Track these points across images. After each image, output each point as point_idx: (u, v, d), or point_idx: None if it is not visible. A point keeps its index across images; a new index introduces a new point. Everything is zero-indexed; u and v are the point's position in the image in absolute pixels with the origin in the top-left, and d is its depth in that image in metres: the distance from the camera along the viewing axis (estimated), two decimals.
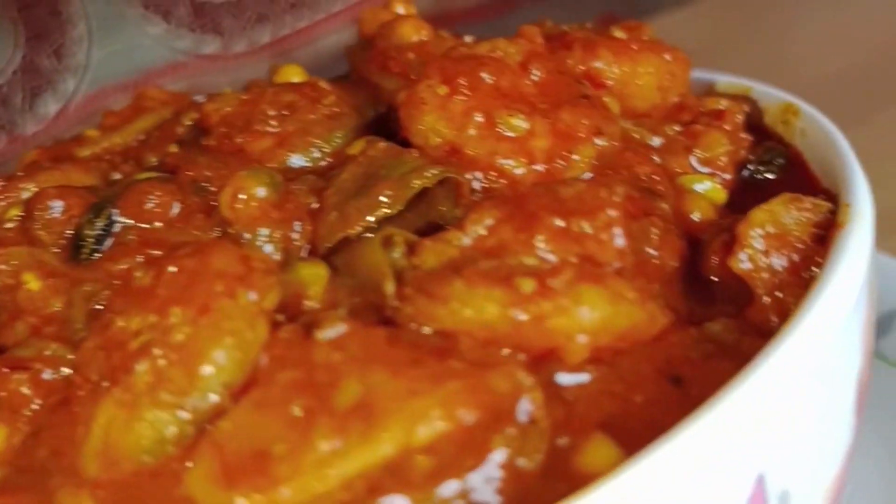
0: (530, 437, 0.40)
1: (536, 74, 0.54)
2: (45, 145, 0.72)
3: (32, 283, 0.51)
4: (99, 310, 0.50)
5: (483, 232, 0.45)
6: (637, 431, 0.42)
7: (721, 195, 0.57)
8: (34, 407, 0.46)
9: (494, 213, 0.46)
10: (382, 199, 0.49)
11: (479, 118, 0.51)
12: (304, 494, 0.36)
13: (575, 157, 0.52)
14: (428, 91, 0.52)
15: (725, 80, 0.69)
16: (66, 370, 0.47)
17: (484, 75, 0.52)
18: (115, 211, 0.51)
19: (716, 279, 0.51)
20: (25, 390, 0.46)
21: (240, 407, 0.39)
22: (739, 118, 0.63)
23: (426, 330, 0.42)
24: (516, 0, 1.57)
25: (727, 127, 0.61)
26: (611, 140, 0.53)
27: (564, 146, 0.52)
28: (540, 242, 0.44)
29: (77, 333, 0.49)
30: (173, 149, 0.62)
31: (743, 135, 0.63)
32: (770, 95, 0.66)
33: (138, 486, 0.41)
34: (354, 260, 0.47)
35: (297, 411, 0.37)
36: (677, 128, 0.61)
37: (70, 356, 0.47)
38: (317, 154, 0.57)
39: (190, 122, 0.66)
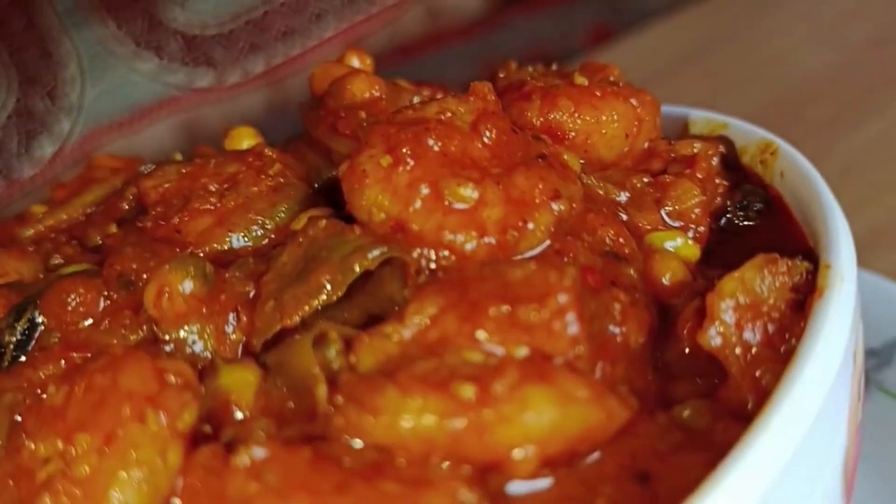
0: None
1: (488, 136, 0.50)
2: None
3: None
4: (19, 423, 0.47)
5: (425, 323, 0.41)
6: None
7: (693, 252, 0.53)
8: None
9: (438, 301, 0.42)
10: (323, 284, 0.45)
11: (425, 190, 0.47)
12: None
13: (530, 225, 0.47)
14: (370, 162, 0.48)
15: (701, 116, 0.65)
16: None
17: (430, 142, 0.48)
18: (36, 313, 0.48)
19: (688, 351, 0.47)
20: None
21: None
22: (715, 161, 0.59)
23: (357, 444, 0.38)
24: (508, 16, 1.55)
25: (700, 174, 0.57)
26: (570, 203, 0.49)
27: (519, 214, 0.48)
28: (484, 335, 0.40)
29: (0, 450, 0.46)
30: (112, 229, 0.58)
31: (718, 180, 0.58)
32: (748, 133, 0.62)
33: None
34: (286, 360, 0.43)
35: None
36: (646, 179, 0.56)
37: None
38: (258, 232, 0.53)
39: (132, 197, 0.62)
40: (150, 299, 0.45)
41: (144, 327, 0.47)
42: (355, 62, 0.68)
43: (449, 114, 0.51)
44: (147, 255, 0.49)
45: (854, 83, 1.16)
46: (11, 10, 1.05)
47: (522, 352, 0.40)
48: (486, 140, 0.50)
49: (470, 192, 0.47)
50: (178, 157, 0.69)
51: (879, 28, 1.27)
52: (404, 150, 0.48)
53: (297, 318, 0.45)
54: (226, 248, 0.52)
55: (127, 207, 0.62)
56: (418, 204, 0.47)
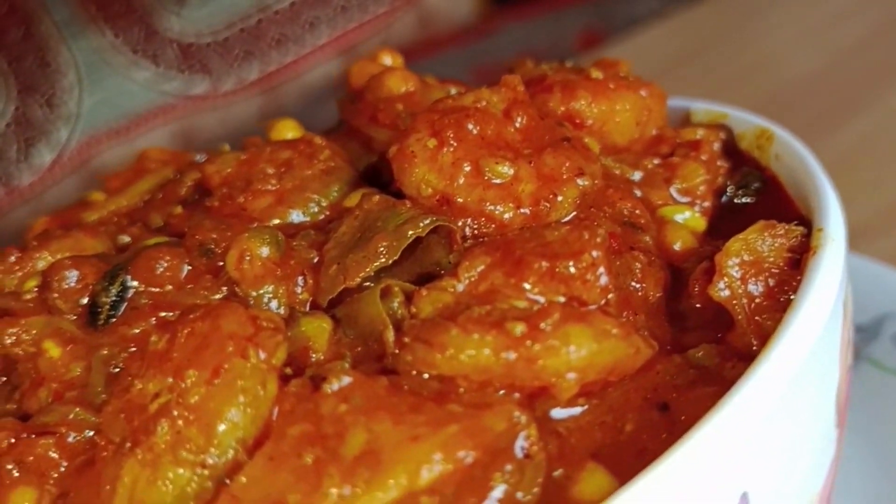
0: (527, 471, 0.43)
1: (519, 121, 0.57)
2: (54, 212, 0.75)
3: (52, 350, 0.54)
4: (117, 373, 0.53)
5: (475, 278, 0.48)
6: (628, 459, 0.45)
7: (700, 224, 0.60)
8: (61, 469, 0.49)
9: (485, 260, 0.49)
10: (380, 250, 0.52)
11: (467, 168, 0.54)
12: None
13: (559, 198, 0.54)
14: (417, 144, 0.55)
15: (702, 107, 0.72)
16: (89, 433, 0.50)
17: (470, 126, 0.55)
18: (127, 277, 0.54)
19: (698, 306, 0.54)
20: (52, 454, 0.49)
21: (254, 461, 0.42)
22: (716, 146, 0.66)
23: (425, 376, 0.44)
24: (499, 23, 1.60)
25: (704, 157, 0.64)
26: (592, 179, 0.56)
27: (549, 189, 0.55)
28: (528, 286, 0.47)
29: (97, 397, 0.52)
30: (177, 210, 0.65)
31: (720, 162, 0.66)
32: (745, 121, 0.69)
33: None
34: (355, 312, 0.49)
35: (307, 462, 0.40)
36: (656, 161, 0.64)
37: (93, 419, 0.50)
38: (315, 209, 0.60)
39: (192, 183, 0.69)
40: (233, 263, 0.52)
41: (224, 289, 0.54)
42: (388, 60, 0.75)
43: (484, 102, 0.58)
44: (223, 227, 0.56)
45: (841, 83, 1.22)
46: (10, 19, 1.08)
47: (560, 300, 0.47)
48: (517, 125, 0.57)
49: (506, 169, 0.54)
50: (226, 147, 0.76)
51: (865, 30, 1.33)
52: (448, 134, 0.55)
53: (357, 279, 0.52)
54: (286, 222, 0.59)
55: (185, 192, 0.69)
56: (461, 180, 0.54)
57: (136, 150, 1.18)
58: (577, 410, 0.46)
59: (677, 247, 0.58)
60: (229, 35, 1.20)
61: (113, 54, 1.11)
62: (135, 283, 0.54)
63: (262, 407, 0.44)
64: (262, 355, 0.44)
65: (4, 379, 0.59)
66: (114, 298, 0.54)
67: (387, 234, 0.53)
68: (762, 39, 1.41)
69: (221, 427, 0.43)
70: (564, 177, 0.55)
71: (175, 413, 0.44)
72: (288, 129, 0.72)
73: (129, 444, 0.46)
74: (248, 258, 0.52)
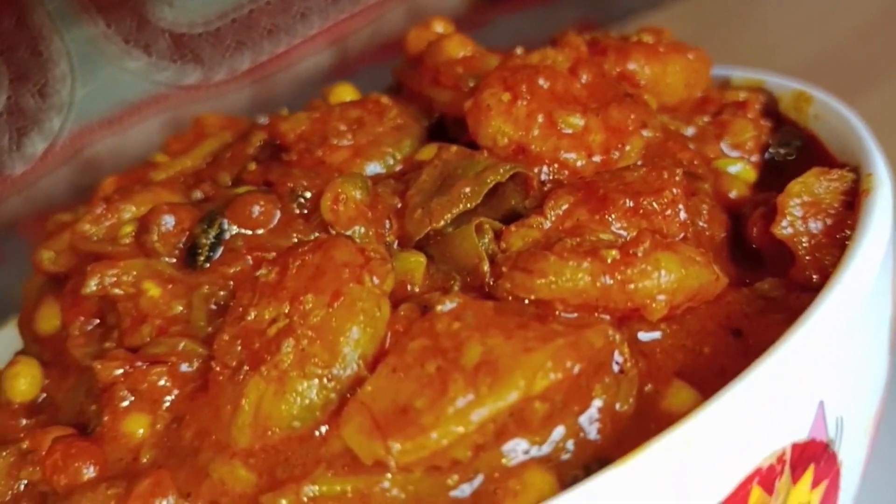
0: (622, 385, 0.46)
1: (584, 78, 0.61)
2: (122, 172, 0.78)
3: (153, 290, 0.57)
4: (220, 307, 0.57)
5: (561, 215, 0.52)
6: (708, 377, 0.49)
7: (752, 175, 0.64)
8: (173, 396, 0.52)
9: (569, 199, 0.53)
10: (462, 195, 0.56)
11: (540, 119, 0.58)
12: (447, 438, 0.42)
13: (627, 147, 0.58)
14: (492, 98, 0.59)
15: (740, 75, 0.77)
16: (197, 362, 0.53)
17: (540, 81, 0.59)
18: (224, 220, 0.58)
19: (756, 247, 0.58)
20: (165, 382, 0.52)
21: (378, 373, 0.45)
22: (759, 107, 0.71)
23: (527, 301, 0.48)
24: (491, 13, 1.62)
25: (750, 115, 0.69)
26: (654, 132, 0.60)
27: (617, 139, 0.59)
28: (613, 220, 0.51)
29: (201, 330, 0.55)
30: (251, 167, 0.68)
31: (763, 121, 0.70)
32: (782, 85, 0.74)
33: (287, 450, 0.47)
34: (449, 248, 0.53)
35: (430, 372, 0.44)
36: (706, 119, 0.68)
37: (200, 350, 0.54)
38: (391, 161, 0.63)
39: (259, 143, 0.72)
40: (328, 205, 0.56)
41: (316, 233, 0.57)
42: (440, 28, 0.79)
43: (549, 61, 0.62)
44: (312, 175, 0.60)
45: (842, 71, 1.26)
46: (2, 9, 1.09)
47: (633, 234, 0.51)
48: (582, 81, 0.61)
49: (578, 120, 0.58)
50: (285, 111, 0.79)
51: (865, 18, 1.36)
52: (521, 88, 0.59)
53: (441, 222, 0.56)
54: (364, 174, 0.62)
55: (253, 151, 0.72)
56: (536, 130, 0.58)
57: (129, 140, 1.20)
58: (658, 335, 0.50)
59: (732, 195, 0.62)
60: (221, 25, 1.21)
61: (105, 44, 1.12)
62: (231, 227, 0.58)
63: (379, 326, 0.47)
64: (376, 280, 0.48)
65: (98, 321, 0.62)
66: (212, 240, 0.57)
67: (468, 181, 0.56)
68: (759, 28, 1.44)
69: (345, 344, 0.46)
70: (630, 129, 0.59)
71: (299, 333, 0.47)
72: (346, 93, 0.75)
73: (246, 367, 0.49)
74: (342, 200, 0.55)
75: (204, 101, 1.27)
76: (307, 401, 0.46)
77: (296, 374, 0.46)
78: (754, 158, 0.67)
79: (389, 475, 0.43)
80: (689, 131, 0.66)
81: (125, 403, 0.53)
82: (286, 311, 0.49)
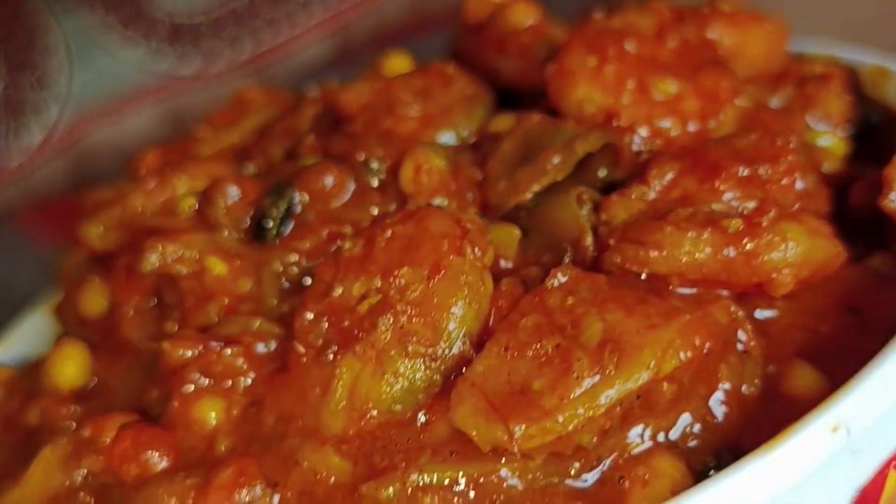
0: (747, 365, 0.43)
1: (671, 42, 0.58)
2: (162, 146, 0.74)
3: (218, 266, 0.54)
4: (288, 287, 0.53)
5: (666, 184, 0.49)
6: (828, 358, 0.46)
7: (842, 148, 0.61)
8: (249, 379, 0.49)
9: (674, 167, 0.49)
10: (552, 164, 0.52)
11: (631, 85, 0.54)
12: (574, 422, 0.39)
13: (721, 116, 0.55)
14: (578, 63, 0.55)
15: (815, 49, 0.73)
16: (273, 343, 0.50)
17: (627, 45, 0.56)
18: (295, 192, 0.54)
19: (855, 221, 0.55)
20: (240, 363, 0.49)
21: (488, 352, 0.42)
22: (841, 81, 0.67)
23: (643, 276, 0.45)
24: None
25: (834, 88, 0.65)
26: (747, 101, 0.57)
27: (711, 108, 0.55)
28: (724, 190, 0.48)
29: (274, 309, 0.52)
30: (309, 140, 0.64)
31: (846, 95, 0.66)
32: (858, 61, 0.70)
33: (385, 436, 0.43)
34: (545, 220, 0.50)
35: (548, 350, 0.40)
36: (790, 90, 0.64)
37: (276, 329, 0.50)
38: (464, 132, 0.60)
39: (313, 115, 0.68)
40: (409, 175, 0.52)
41: (393, 205, 0.54)
42: None
43: (633, 25, 0.59)
44: (386, 144, 0.56)
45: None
46: None
47: (752, 204, 0.48)
48: (669, 46, 0.58)
49: (671, 86, 0.55)
50: (313, 91, 0.75)
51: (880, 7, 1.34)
52: (609, 52, 0.55)
53: (528, 194, 0.52)
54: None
55: (305, 124, 0.68)
56: (627, 97, 0.54)
57: (127, 130, 1.17)
58: (775, 313, 0.47)
59: (824, 169, 0.58)
60: (221, 14, 1.18)
61: (104, 33, 1.09)
62: (303, 199, 0.54)
63: (483, 302, 0.44)
64: (477, 252, 0.44)
65: (156, 301, 0.58)
66: (282, 213, 0.54)
67: (556, 151, 0.53)
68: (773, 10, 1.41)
69: (450, 321, 0.43)
70: (723, 97, 0.56)
71: (398, 309, 0.43)
72: (402, 62, 0.72)
73: (335, 347, 0.45)
74: (425, 170, 0.52)
75: (203, 91, 1.24)
76: (409, 382, 0.43)
77: (396, 354, 0.43)
78: (840, 131, 0.63)
79: (507, 463, 0.40)
80: (774, 103, 0.63)
81: (195, 388, 0.49)
82: (377, 285, 0.45)
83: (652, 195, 0.49)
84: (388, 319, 0.43)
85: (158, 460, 0.47)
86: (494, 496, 0.40)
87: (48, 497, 0.52)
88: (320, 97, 0.70)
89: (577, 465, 0.40)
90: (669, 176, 0.49)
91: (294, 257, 0.53)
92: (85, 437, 0.51)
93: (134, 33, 1.13)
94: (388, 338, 0.43)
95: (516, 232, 0.49)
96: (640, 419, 0.40)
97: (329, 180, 0.54)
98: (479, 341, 0.43)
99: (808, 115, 0.63)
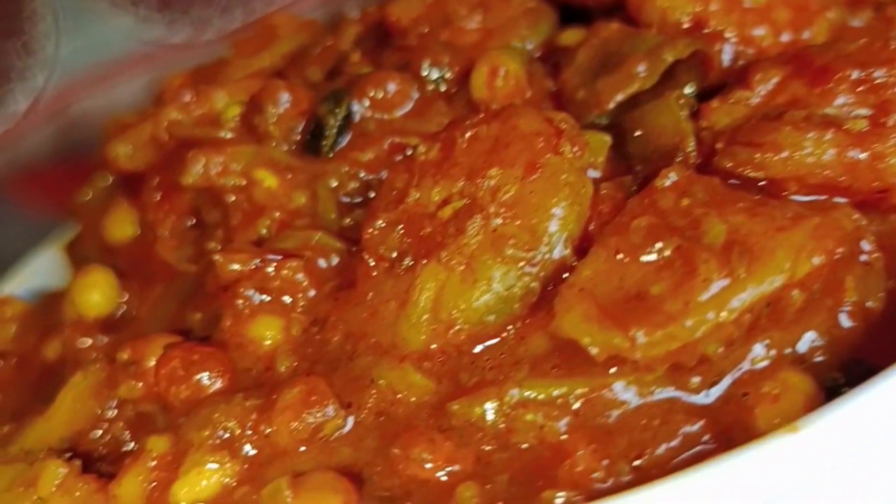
0: (871, 277, 0.39)
1: None
2: (189, 71, 0.69)
3: (269, 179, 0.49)
4: (348, 201, 0.49)
5: (770, 89, 0.44)
6: None
7: None
8: (310, 296, 0.44)
9: (780, 71, 0.45)
10: (635, 73, 0.48)
11: None
12: (702, 328, 0.34)
13: (814, 28, 0.51)
14: None
15: None
16: (336, 258, 0.45)
17: None
18: (353, 101, 0.49)
19: None
20: (300, 279, 0.44)
21: (596, 256, 0.37)
22: None
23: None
24: None
25: None
26: (839, 15, 0.53)
27: (802, 18, 0.51)
28: (837, 94, 0.43)
29: (333, 223, 0.47)
30: (355, 56, 0.60)
31: None
32: None
33: (473, 350, 0.39)
34: (638, 127, 0.45)
35: (667, 253, 0.36)
36: (870, 13, 0.60)
37: (338, 244, 0.46)
38: (530, 45, 0.55)
39: (355, 35, 0.64)
40: (482, 80, 0.47)
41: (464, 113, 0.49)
42: None
43: None
44: (449, 50, 0.52)
45: None
46: None
47: (865, 111, 0.44)
48: None
49: None
50: (353, 13, 0.70)
51: None
52: None
53: (611, 105, 0.48)
54: None
55: (346, 45, 0.64)
56: (716, 3, 0.50)
57: (115, 99, 1.12)
58: (890, 225, 0.42)
59: None
60: None
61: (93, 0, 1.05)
62: (362, 107, 0.50)
63: (584, 204, 0.40)
64: (576, 151, 0.40)
65: (194, 221, 0.54)
66: (340, 122, 0.49)
67: (640, 59, 0.48)
68: None
69: (551, 223, 0.38)
70: (813, 8, 0.52)
71: (491, 211, 0.39)
72: None
73: (410, 257, 0.41)
74: (501, 74, 0.47)
75: (193, 60, 1.20)
76: (504, 290, 0.38)
77: (489, 259, 0.38)
78: None
79: (622, 375, 0.36)
80: (856, 23, 0.59)
81: (254, 303, 0.44)
82: (461, 189, 0.41)
83: (755, 100, 0.44)
84: (478, 222, 0.39)
85: (212, 381, 0.42)
86: (605, 412, 0.36)
87: (78, 428, 0.48)
88: (360, 18, 0.66)
89: (697, 379, 0.36)
90: (774, 80, 0.45)
91: (352, 170, 0.48)
92: (123, 360, 0.46)
93: (122, 0, 1.09)
94: (479, 242, 0.39)
95: (607, 139, 0.45)
96: (767, 331, 0.36)
97: (392, 87, 0.49)
98: (580, 247, 0.39)
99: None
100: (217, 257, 0.45)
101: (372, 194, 0.48)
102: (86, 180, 0.79)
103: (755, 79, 0.45)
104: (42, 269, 0.69)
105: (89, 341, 0.54)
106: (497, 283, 0.38)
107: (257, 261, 0.44)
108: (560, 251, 0.38)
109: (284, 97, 0.50)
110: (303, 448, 0.39)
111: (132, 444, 0.46)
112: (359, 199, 0.49)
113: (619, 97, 0.48)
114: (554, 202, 0.39)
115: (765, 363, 0.36)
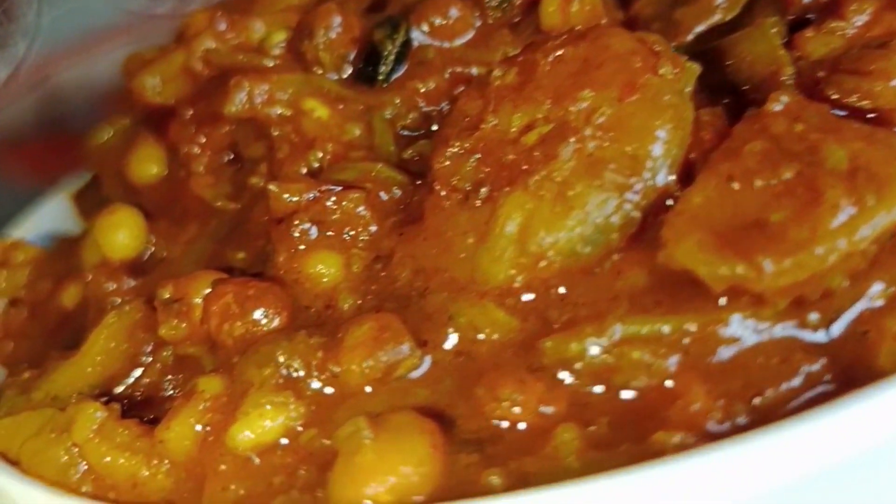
0: None
1: None
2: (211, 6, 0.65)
3: (320, 109, 0.45)
4: (406, 134, 0.45)
5: (867, 20, 0.42)
6: None
7: None
8: (371, 231, 0.41)
9: (874, 2, 0.42)
10: (717, 4, 0.45)
11: None
12: (832, 256, 0.32)
13: None
14: None
15: None
16: (397, 191, 0.42)
17: None
18: (412, 26, 0.46)
19: None
20: (362, 211, 0.41)
21: (705, 183, 0.34)
22: None
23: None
24: None
25: None
26: None
27: None
28: None
29: (392, 156, 0.44)
30: None
31: None
32: None
33: (564, 285, 0.36)
34: (726, 56, 0.42)
35: (787, 178, 0.33)
36: None
37: (399, 176, 0.42)
38: None
39: None
40: (556, 5, 0.44)
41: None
42: None
43: None
44: None
45: None
46: None
47: None
48: None
49: None
50: None
51: None
52: None
53: (689, 37, 0.45)
54: None
55: None
56: None
57: (97, 69, 1.09)
58: None
59: None
60: None
61: None
62: (421, 34, 0.46)
63: (686, 129, 0.36)
64: (676, 71, 0.37)
65: (231, 156, 0.50)
66: (398, 49, 0.46)
67: None
68: None
69: (654, 146, 0.35)
70: None
71: (586, 134, 0.36)
72: None
73: (488, 187, 0.38)
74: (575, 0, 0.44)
75: (174, 31, 1.17)
76: (602, 219, 0.35)
77: (585, 186, 0.35)
78: None
79: (737, 310, 0.33)
80: None
81: (311, 237, 0.41)
82: (546, 114, 0.37)
83: (851, 31, 0.42)
84: (572, 146, 0.36)
85: (270, 318, 0.39)
86: (718, 351, 0.33)
87: (111, 373, 0.44)
88: None
89: (816, 315, 0.33)
90: (869, 11, 0.42)
91: (411, 101, 0.45)
92: (164, 299, 0.42)
93: None
94: (573, 168, 0.36)
95: (696, 67, 0.41)
96: (886, 264, 0.33)
97: (453, 12, 0.46)
98: (681, 175, 0.36)
99: None
100: (272, 187, 0.41)
101: (434, 127, 0.45)
102: (68, 150, 0.75)
103: (850, 9, 0.42)
104: (52, 214, 0.65)
105: (114, 285, 0.50)
106: (594, 212, 0.35)
107: (315, 192, 0.41)
108: (663, 177, 0.35)
109: (336, 21, 0.47)
110: (372, 389, 0.36)
111: (173, 390, 0.42)
112: (418, 132, 0.45)
113: (700, 28, 0.45)
114: (658, 124, 0.36)
115: (881, 301, 0.33)
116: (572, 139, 0.36)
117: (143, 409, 0.43)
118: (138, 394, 0.43)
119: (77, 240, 0.58)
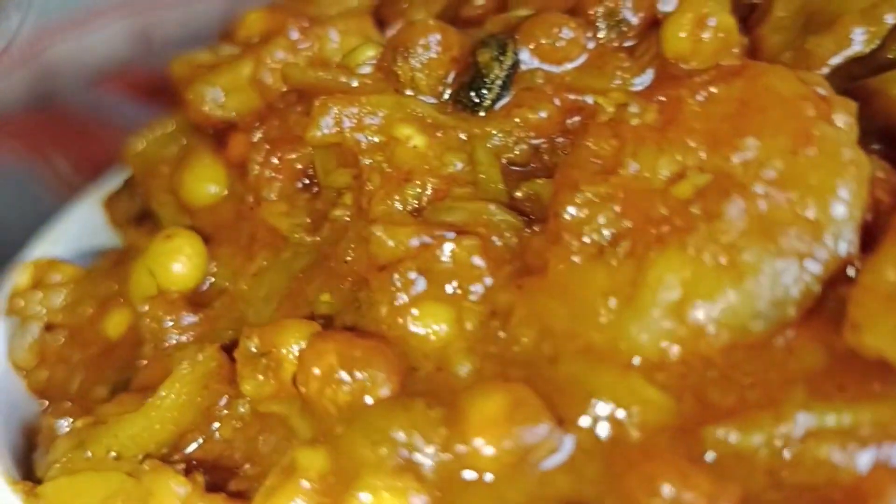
0: None
1: None
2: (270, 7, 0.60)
3: (416, 138, 0.41)
4: (514, 169, 0.41)
5: None
6: None
7: None
8: (486, 282, 0.37)
9: None
10: (849, 34, 0.41)
11: None
12: None
13: None
14: None
15: None
16: (511, 236, 0.37)
17: None
18: (519, 48, 0.41)
19: None
20: (477, 261, 0.36)
21: (894, 250, 0.30)
22: None
23: None
24: None
25: None
26: None
27: None
28: None
29: (500, 194, 0.40)
30: None
31: None
32: None
33: (725, 362, 0.32)
34: (879, 94, 0.38)
35: None
36: None
37: (514, 219, 0.38)
38: None
39: None
40: (687, 29, 0.40)
41: (648, 72, 0.41)
42: None
43: None
44: None
45: None
46: None
47: None
48: None
49: None
50: None
51: None
52: None
53: (824, 69, 0.41)
54: None
55: None
56: None
57: (91, 46, 1.06)
58: None
59: None
60: None
61: None
62: (528, 57, 0.42)
63: (865, 187, 0.32)
64: (850, 121, 0.33)
65: (306, 182, 0.45)
66: (507, 72, 0.41)
67: (856, 19, 0.41)
68: None
69: (836, 208, 0.31)
70: None
71: (757, 190, 0.32)
72: None
73: (628, 241, 0.33)
74: (710, 24, 0.40)
75: (172, 8, 1.13)
76: (779, 290, 0.31)
77: (759, 251, 0.31)
78: None
79: None
80: None
81: (417, 287, 0.36)
82: (699, 161, 0.33)
83: None
84: (740, 204, 0.32)
85: (381, 384, 0.35)
86: None
87: (181, 430, 0.40)
88: None
89: None
90: None
91: (520, 131, 0.40)
92: (249, 352, 0.38)
93: None
94: (743, 229, 0.31)
95: (853, 105, 0.37)
96: None
97: (566, 33, 0.41)
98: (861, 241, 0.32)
99: None
100: (378, 232, 0.37)
101: (544, 161, 0.40)
102: (59, 126, 0.70)
103: None
104: (82, 223, 0.60)
105: (172, 320, 0.46)
106: (770, 282, 0.31)
107: (427, 237, 0.36)
108: (846, 245, 0.31)
109: (435, 38, 0.42)
110: (504, 475, 0.32)
111: (256, 456, 0.38)
112: (525, 168, 0.41)
113: (836, 60, 0.41)
114: (839, 183, 0.31)
115: None
116: (739, 195, 0.32)
117: (217, 473, 0.39)
118: (210, 457, 0.39)
119: (119, 257, 0.53)
